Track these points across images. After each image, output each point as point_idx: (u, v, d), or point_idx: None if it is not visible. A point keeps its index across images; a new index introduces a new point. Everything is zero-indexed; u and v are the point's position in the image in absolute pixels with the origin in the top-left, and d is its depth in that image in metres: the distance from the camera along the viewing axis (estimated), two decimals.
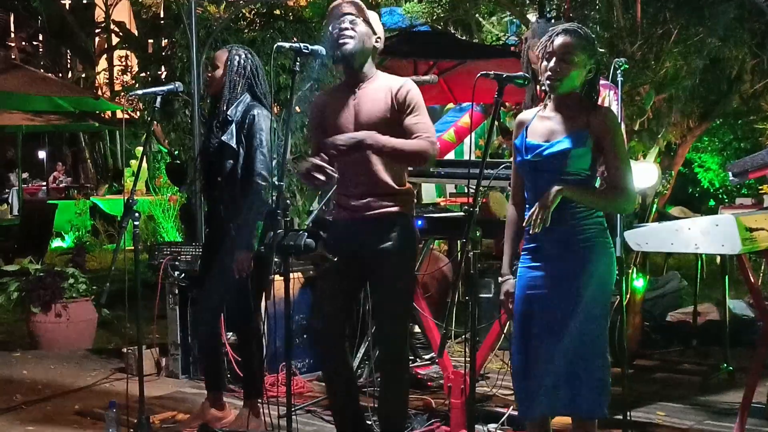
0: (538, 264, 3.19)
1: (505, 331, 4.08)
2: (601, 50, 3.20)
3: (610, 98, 4.22)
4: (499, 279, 3.30)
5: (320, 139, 3.68)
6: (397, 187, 3.64)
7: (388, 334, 3.68)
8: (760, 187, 10.80)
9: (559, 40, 3.10)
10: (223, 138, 4.24)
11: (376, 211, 3.62)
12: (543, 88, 3.32)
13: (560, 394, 3.13)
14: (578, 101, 3.18)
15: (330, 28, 3.66)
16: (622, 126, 4.33)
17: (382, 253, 3.60)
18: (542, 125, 3.20)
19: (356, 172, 3.63)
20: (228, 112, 4.28)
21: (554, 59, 3.09)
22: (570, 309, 3.11)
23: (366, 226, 3.64)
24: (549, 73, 3.11)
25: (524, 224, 3.12)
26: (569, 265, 3.13)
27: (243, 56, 4.35)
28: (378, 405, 3.81)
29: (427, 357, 5.66)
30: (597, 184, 3.43)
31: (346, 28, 3.60)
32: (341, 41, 3.60)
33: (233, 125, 4.25)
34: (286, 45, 3.55)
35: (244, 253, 4.18)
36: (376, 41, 3.69)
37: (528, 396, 3.18)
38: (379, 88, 3.63)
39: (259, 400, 4.35)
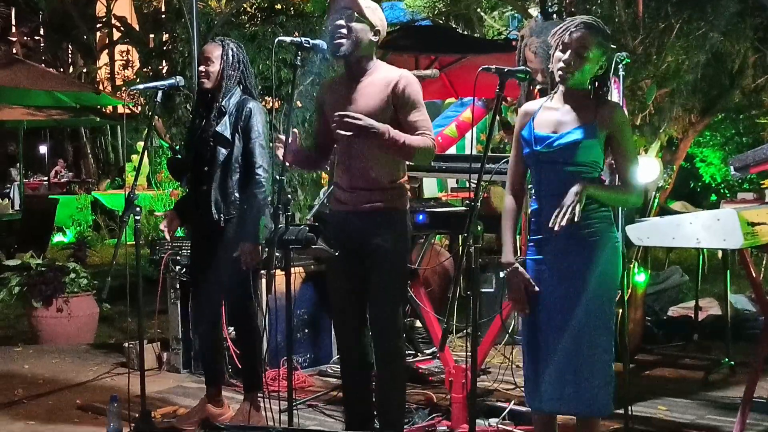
0: (542, 257, 3.18)
1: (506, 327, 4.07)
2: (612, 46, 3.18)
3: (611, 89, 4.21)
4: (506, 270, 3.19)
5: (317, 126, 3.74)
6: (390, 182, 3.65)
7: (382, 330, 3.68)
8: (761, 182, 10.76)
9: (577, 34, 3.07)
10: (217, 129, 4.23)
11: (368, 206, 3.63)
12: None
13: (566, 391, 3.11)
14: (586, 94, 3.17)
15: (329, 23, 3.66)
16: None
17: (373, 248, 3.62)
18: (550, 116, 3.18)
19: (352, 165, 3.64)
20: (222, 104, 4.27)
21: (569, 51, 3.08)
22: (575, 304, 3.09)
23: (359, 219, 3.65)
24: (562, 64, 3.09)
25: (550, 224, 3.02)
26: (575, 258, 3.11)
27: (235, 49, 4.35)
28: (376, 399, 3.81)
29: (428, 352, 5.65)
30: (608, 177, 3.42)
31: (341, 26, 3.58)
32: (335, 41, 3.59)
33: (227, 116, 4.25)
34: (288, 39, 3.54)
35: (251, 245, 4.18)
36: (375, 34, 3.65)
37: (535, 388, 3.19)
38: (377, 82, 3.62)
39: (260, 394, 4.35)
